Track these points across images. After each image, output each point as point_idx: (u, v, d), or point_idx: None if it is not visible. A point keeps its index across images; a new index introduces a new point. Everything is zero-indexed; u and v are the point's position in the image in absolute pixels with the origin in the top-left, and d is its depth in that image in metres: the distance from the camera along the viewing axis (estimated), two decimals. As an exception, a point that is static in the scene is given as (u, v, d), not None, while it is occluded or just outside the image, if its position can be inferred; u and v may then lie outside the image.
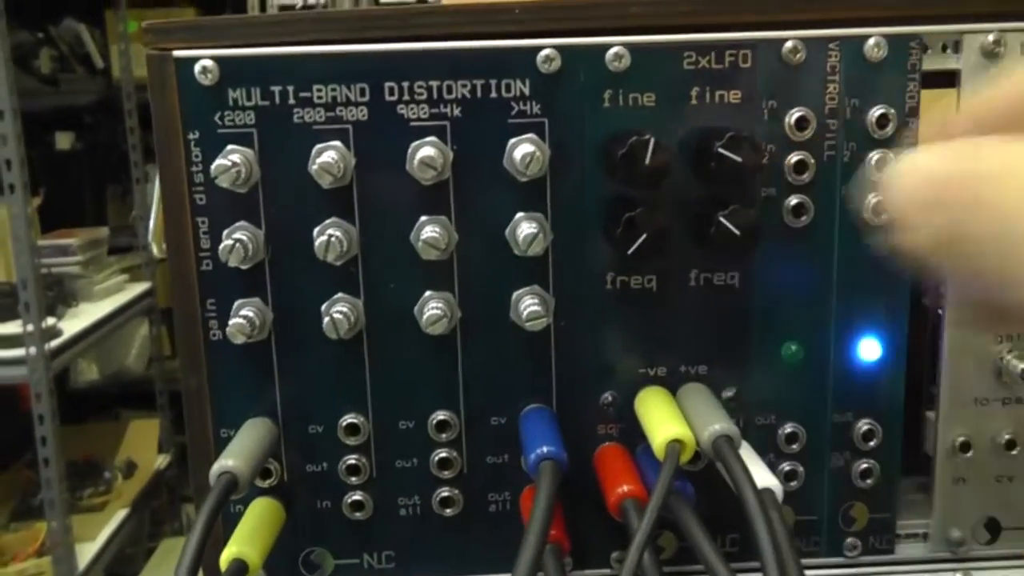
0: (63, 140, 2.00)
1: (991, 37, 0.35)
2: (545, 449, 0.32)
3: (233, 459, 0.32)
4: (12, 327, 1.47)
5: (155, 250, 0.43)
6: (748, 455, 0.34)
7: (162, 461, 1.99)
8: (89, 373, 2.07)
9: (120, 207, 2.14)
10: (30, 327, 1.44)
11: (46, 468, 1.51)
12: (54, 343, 1.51)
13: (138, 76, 1.91)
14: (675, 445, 0.31)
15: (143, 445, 1.97)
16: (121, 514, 1.77)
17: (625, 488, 0.32)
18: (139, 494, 1.85)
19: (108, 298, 1.79)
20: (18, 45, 1.72)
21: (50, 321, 1.53)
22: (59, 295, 1.65)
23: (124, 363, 2.09)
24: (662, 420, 0.33)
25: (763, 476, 0.32)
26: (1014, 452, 0.37)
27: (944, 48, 0.35)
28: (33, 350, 1.45)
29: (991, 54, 0.35)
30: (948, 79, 0.35)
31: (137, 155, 1.91)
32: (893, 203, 0.22)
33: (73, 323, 1.63)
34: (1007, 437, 0.37)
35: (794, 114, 0.34)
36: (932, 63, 0.35)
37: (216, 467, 0.32)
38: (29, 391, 1.47)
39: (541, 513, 0.30)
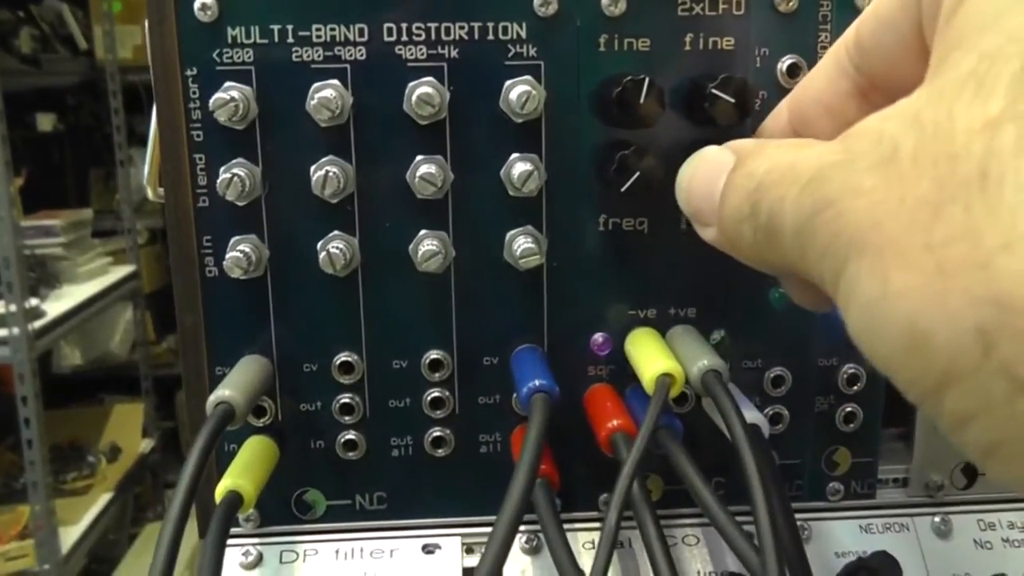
0: (45, 121, 1.99)
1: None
2: (538, 382, 0.32)
3: (230, 390, 0.32)
4: (-5, 307, 1.46)
5: (150, 193, 0.43)
6: (735, 395, 0.35)
7: (146, 446, 1.98)
8: (72, 358, 2.06)
9: (103, 190, 2.12)
10: (13, 307, 1.43)
11: (29, 450, 1.50)
12: (37, 324, 1.51)
13: (122, 58, 1.89)
14: (665, 379, 0.32)
15: (127, 429, 1.96)
16: (104, 498, 1.76)
17: (616, 422, 0.33)
18: (123, 478, 1.84)
19: (92, 280, 1.78)
20: (-3, 23, 1.71)
21: (33, 302, 1.52)
22: (42, 276, 1.64)
23: (108, 348, 2.08)
24: (652, 357, 0.33)
25: (750, 413, 0.33)
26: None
27: None
28: (16, 330, 1.44)
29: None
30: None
31: (121, 137, 1.89)
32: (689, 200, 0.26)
33: (57, 304, 1.62)
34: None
35: (786, 61, 0.35)
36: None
37: (213, 397, 0.32)
38: (12, 372, 1.46)
39: (533, 443, 0.30)
